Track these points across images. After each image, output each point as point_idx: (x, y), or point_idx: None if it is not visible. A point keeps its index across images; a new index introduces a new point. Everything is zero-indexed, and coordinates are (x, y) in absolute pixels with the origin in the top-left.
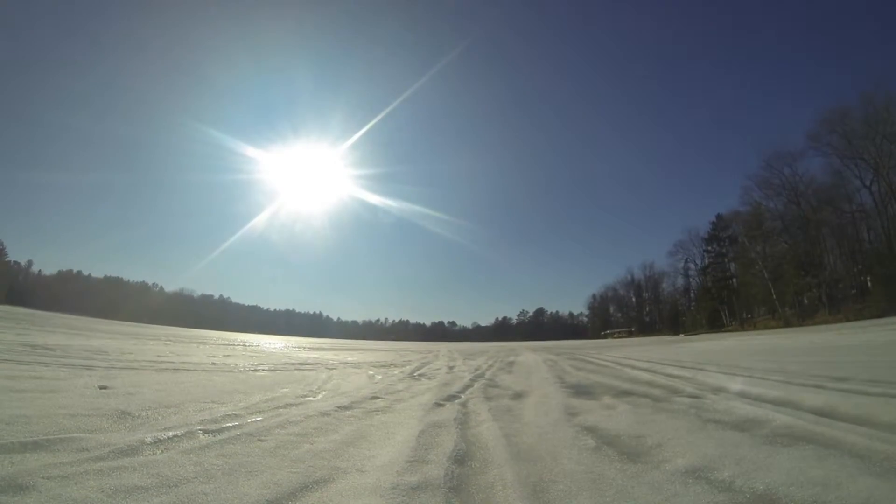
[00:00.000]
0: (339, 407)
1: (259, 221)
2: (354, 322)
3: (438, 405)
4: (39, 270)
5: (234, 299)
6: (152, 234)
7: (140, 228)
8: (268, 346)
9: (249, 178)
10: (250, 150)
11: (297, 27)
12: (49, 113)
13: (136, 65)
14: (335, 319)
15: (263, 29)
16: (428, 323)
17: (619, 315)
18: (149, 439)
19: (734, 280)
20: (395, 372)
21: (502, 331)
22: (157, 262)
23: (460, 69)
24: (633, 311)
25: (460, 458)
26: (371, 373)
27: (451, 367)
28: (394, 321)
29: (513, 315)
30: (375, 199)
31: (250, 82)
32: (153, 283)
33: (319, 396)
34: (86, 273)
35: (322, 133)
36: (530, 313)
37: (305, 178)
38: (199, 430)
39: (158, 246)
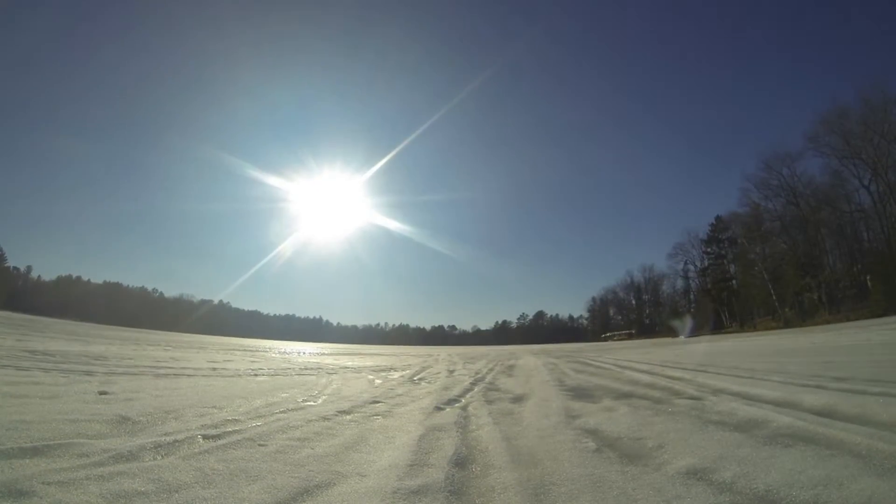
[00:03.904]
0: (339, 411)
1: (271, 238)
2: (354, 326)
3: (439, 409)
4: (39, 276)
5: (234, 304)
6: (174, 254)
7: (166, 255)
8: (267, 351)
9: (267, 204)
10: (271, 179)
11: (321, 59)
12: (72, 141)
13: (154, 91)
14: (335, 324)
15: (287, 61)
16: (428, 327)
17: (619, 317)
18: (149, 444)
19: (734, 281)
20: (395, 376)
21: (502, 334)
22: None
23: (468, 101)
24: (633, 313)
25: (461, 462)
26: (371, 377)
27: (451, 371)
28: (394, 325)
29: (513, 318)
30: (385, 222)
31: (265, 107)
32: (153, 289)
33: (320, 401)
34: (85, 278)
35: (338, 163)
36: (530, 316)
37: (319, 203)
38: (200, 435)
39: (165, 258)
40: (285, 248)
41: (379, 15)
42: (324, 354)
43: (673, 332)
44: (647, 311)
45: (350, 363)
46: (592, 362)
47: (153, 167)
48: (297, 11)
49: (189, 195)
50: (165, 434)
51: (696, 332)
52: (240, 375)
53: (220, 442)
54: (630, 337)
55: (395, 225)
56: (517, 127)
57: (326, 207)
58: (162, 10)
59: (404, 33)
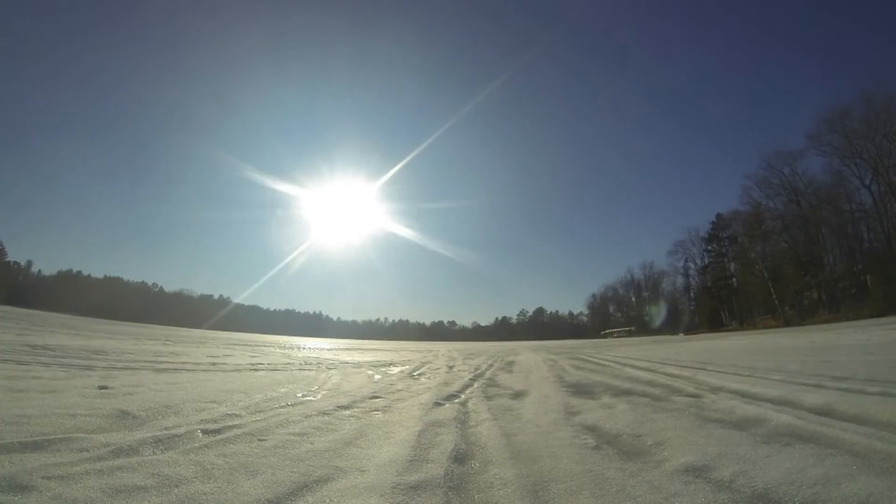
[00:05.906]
0: (339, 406)
1: (277, 240)
2: (354, 322)
3: (438, 404)
4: (39, 270)
5: (235, 299)
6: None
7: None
8: (267, 346)
9: (273, 209)
10: (279, 184)
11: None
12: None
13: (161, 94)
14: (335, 319)
15: (299, 63)
16: (428, 323)
17: (619, 315)
18: (149, 439)
19: (734, 280)
20: (395, 371)
21: (502, 330)
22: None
23: (471, 111)
24: (633, 310)
25: (460, 458)
26: (370, 372)
27: (450, 367)
28: (394, 321)
29: (513, 315)
30: (390, 226)
31: (275, 110)
32: (153, 283)
33: (319, 396)
34: (85, 273)
35: (348, 169)
36: (530, 313)
37: (328, 207)
38: (199, 429)
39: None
40: (298, 252)
41: (392, 21)
42: (323, 349)
43: (672, 330)
44: (647, 309)
45: (349, 358)
46: (592, 359)
47: (159, 167)
48: (310, 16)
49: (195, 197)
50: (165, 429)
51: (695, 329)
52: (239, 370)
53: (219, 437)
54: (630, 334)
55: (399, 229)
56: (520, 129)
57: (335, 212)
58: (173, 12)
59: (418, 40)
